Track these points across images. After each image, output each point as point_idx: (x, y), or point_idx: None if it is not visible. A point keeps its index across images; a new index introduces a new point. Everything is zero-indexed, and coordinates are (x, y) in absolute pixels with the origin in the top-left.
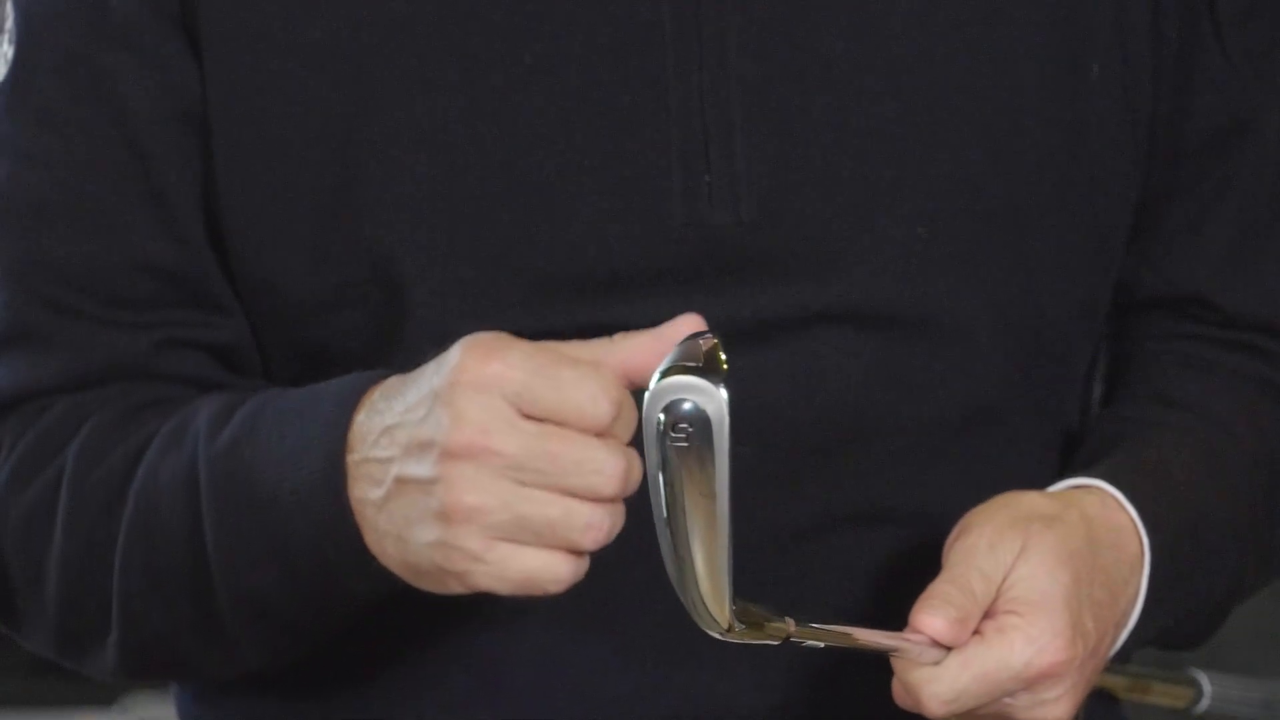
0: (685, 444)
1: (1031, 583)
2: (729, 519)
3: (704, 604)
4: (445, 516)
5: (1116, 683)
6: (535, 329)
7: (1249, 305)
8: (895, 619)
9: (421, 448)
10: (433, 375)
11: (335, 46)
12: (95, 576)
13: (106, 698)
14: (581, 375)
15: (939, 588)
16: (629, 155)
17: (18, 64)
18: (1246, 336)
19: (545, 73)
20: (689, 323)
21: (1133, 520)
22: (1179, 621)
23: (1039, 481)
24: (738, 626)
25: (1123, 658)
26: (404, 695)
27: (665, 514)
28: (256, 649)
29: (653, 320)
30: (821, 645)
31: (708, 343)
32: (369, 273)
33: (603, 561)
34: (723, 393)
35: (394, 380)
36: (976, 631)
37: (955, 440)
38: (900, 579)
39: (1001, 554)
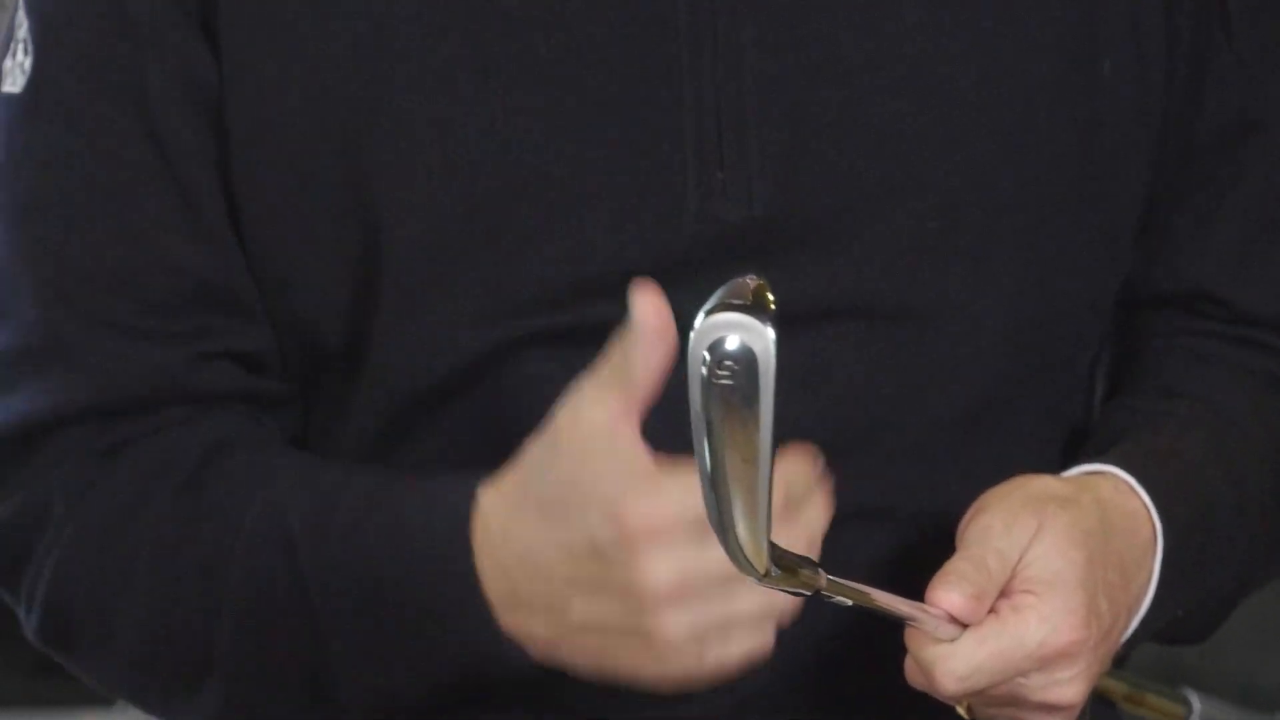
0: (730, 382)
1: (1046, 562)
2: (772, 460)
3: (742, 546)
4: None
5: (1115, 689)
6: (548, 326)
7: (1257, 302)
8: None
9: (597, 589)
10: (588, 523)
11: (350, 43)
12: (186, 648)
13: (108, 698)
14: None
15: (955, 564)
16: (642, 150)
17: (37, 70)
18: (1254, 333)
19: (559, 68)
20: (652, 310)
21: (1145, 505)
22: (1188, 612)
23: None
24: (774, 572)
25: (1133, 644)
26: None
27: (707, 454)
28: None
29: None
30: (849, 603)
31: (754, 282)
32: (383, 271)
33: None
34: (770, 330)
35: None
36: (992, 610)
37: (962, 435)
38: (906, 574)
39: (1017, 534)
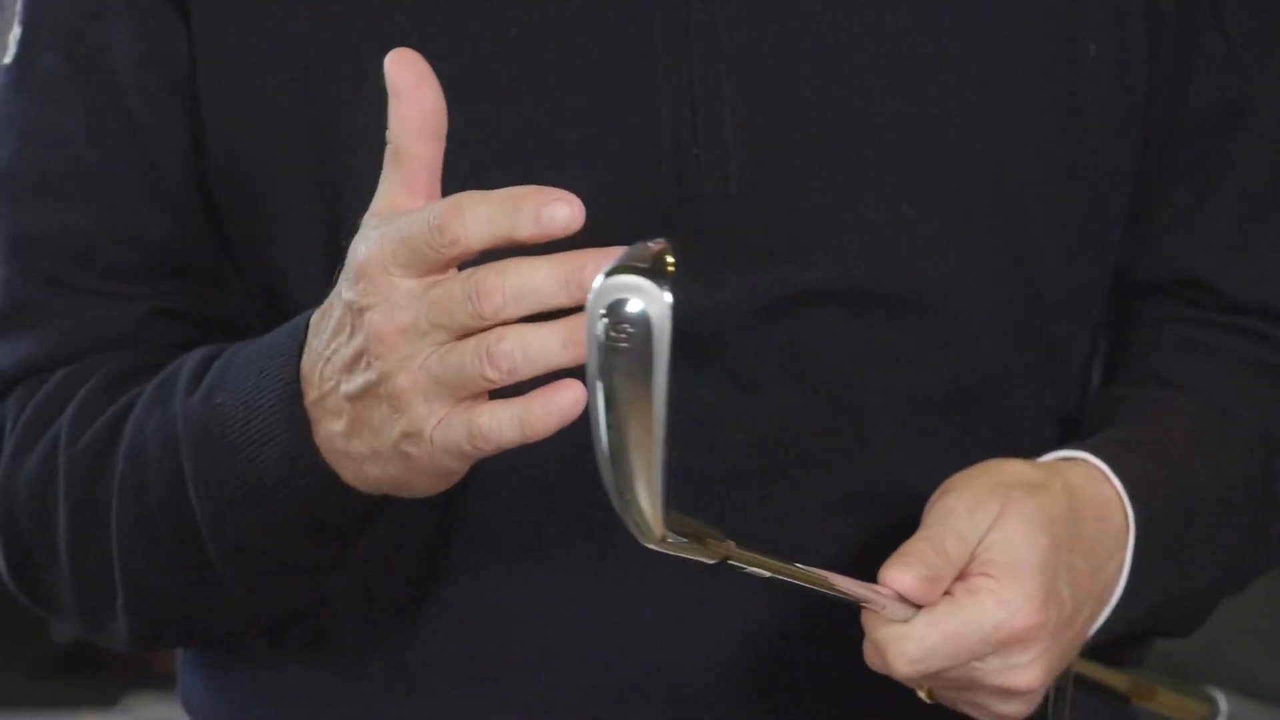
0: (626, 344)
1: (1006, 546)
2: (665, 426)
3: (637, 512)
4: (395, 408)
5: (1130, 685)
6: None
7: (1247, 288)
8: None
9: (355, 360)
10: (341, 293)
11: (322, 17)
12: (96, 539)
13: (108, 698)
14: (419, 214)
15: (911, 545)
16: (618, 127)
17: (23, 44)
18: (1245, 320)
19: (533, 45)
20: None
21: (1119, 493)
22: (1171, 602)
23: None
24: (671, 538)
25: (1109, 635)
26: (414, 656)
27: (602, 417)
28: (254, 599)
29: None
30: (765, 574)
31: (658, 246)
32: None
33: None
34: (667, 295)
35: (316, 312)
36: (948, 593)
37: (946, 422)
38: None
39: (979, 518)
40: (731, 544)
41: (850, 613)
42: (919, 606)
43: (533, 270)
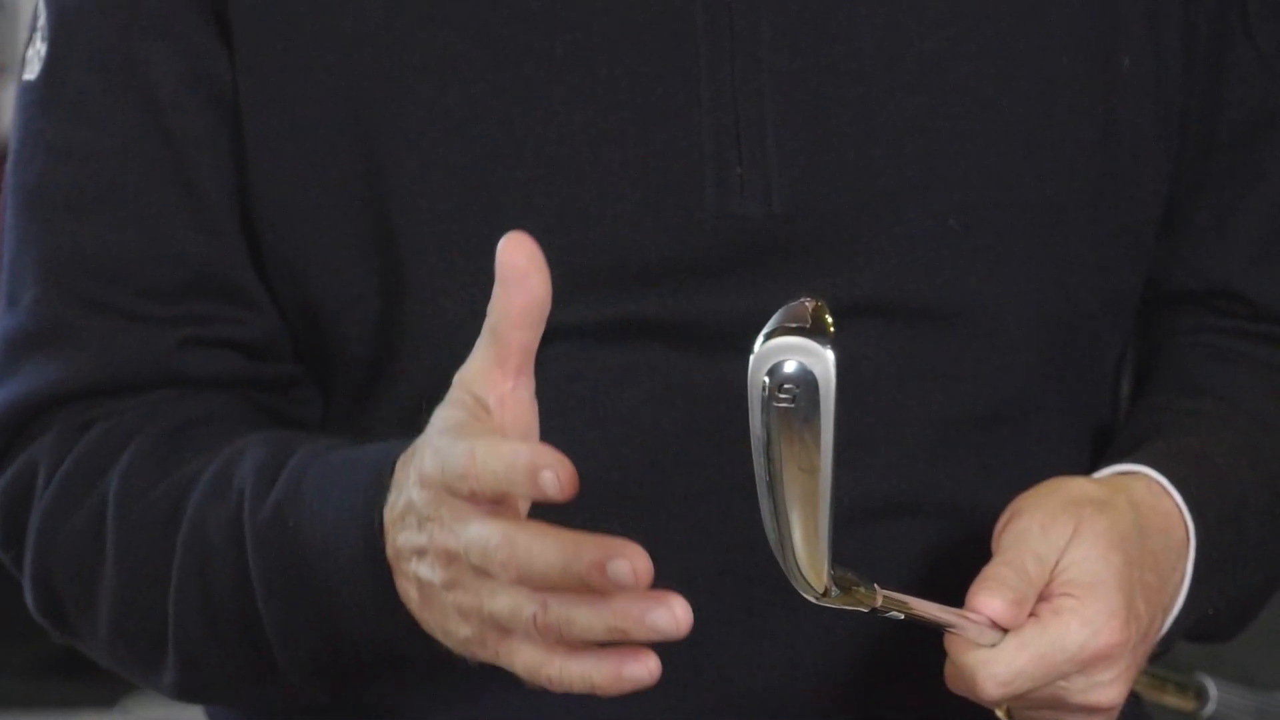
0: (790, 405)
1: (1085, 565)
2: (831, 484)
3: (800, 569)
4: (461, 616)
5: (1139, 680)
6: (565, 323)
7: (1279, 299)
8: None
9: (421, 554)
10: (412, 483)
11: (365, 33)
12: (148, 616)
13: (107, 699)
14: (457, 449)
15: (995, 570)
16: (661, 147)
17: (51, 59)
18: (1277, 329)
19: (577, 62)
20: (515, 249)
21: (1178, 506)
22: (1218, 610)
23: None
24: (834, 591)
25: (1166, 645)
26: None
27: (767, 478)
28: (316, 689)
29: (685, 312)
30: (902, 616)
31: (813, 304)
32: (396, 265)
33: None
34: (829, 353)
35: (403, 456)
36: (1032, 614)
37: (984, 434)
38: (928, 572)
39: (1054, 537)
40: (880, 591)
41: (919, 635)
42: (1004, 630)
43: (542, 550)
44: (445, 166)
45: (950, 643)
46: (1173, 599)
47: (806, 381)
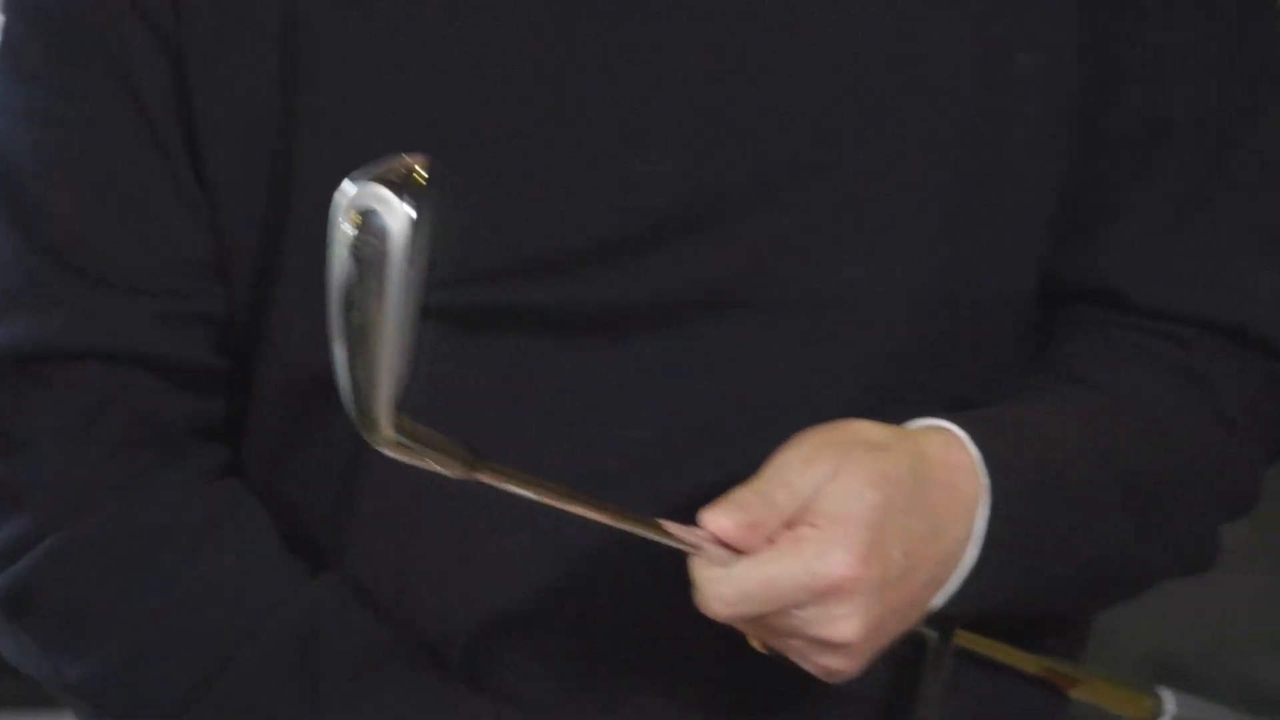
0: (366, 252)
1: (836, 499)
2: (401, 331)
3: (366, 409)
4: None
5: (1043, 670)
6: (463, 306)
7: (1165, 299)
8: None
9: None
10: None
11: (282, 17)
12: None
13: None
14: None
15: (737, 492)
16: (559, 142)
17: (7, 30)
18: (1163, 326)
19: (476, 54)
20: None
21: (974, 461)
22: (1051, 586)
23: None
24: (402, 440)
25: (976, 607)
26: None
27: (340, 317)
28: None
29: (586, 301)
30: (531, 495)
31: (409, 162)
32: (284, 243)
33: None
34: (409, 210)
35: None
36: (773, 541)
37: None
38: None
39: (814, 471)
40: (472, 455)
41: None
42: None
43: None
44: (354, 156)
45: (693, 563)
46: (952, 554)
47: (381, 233)
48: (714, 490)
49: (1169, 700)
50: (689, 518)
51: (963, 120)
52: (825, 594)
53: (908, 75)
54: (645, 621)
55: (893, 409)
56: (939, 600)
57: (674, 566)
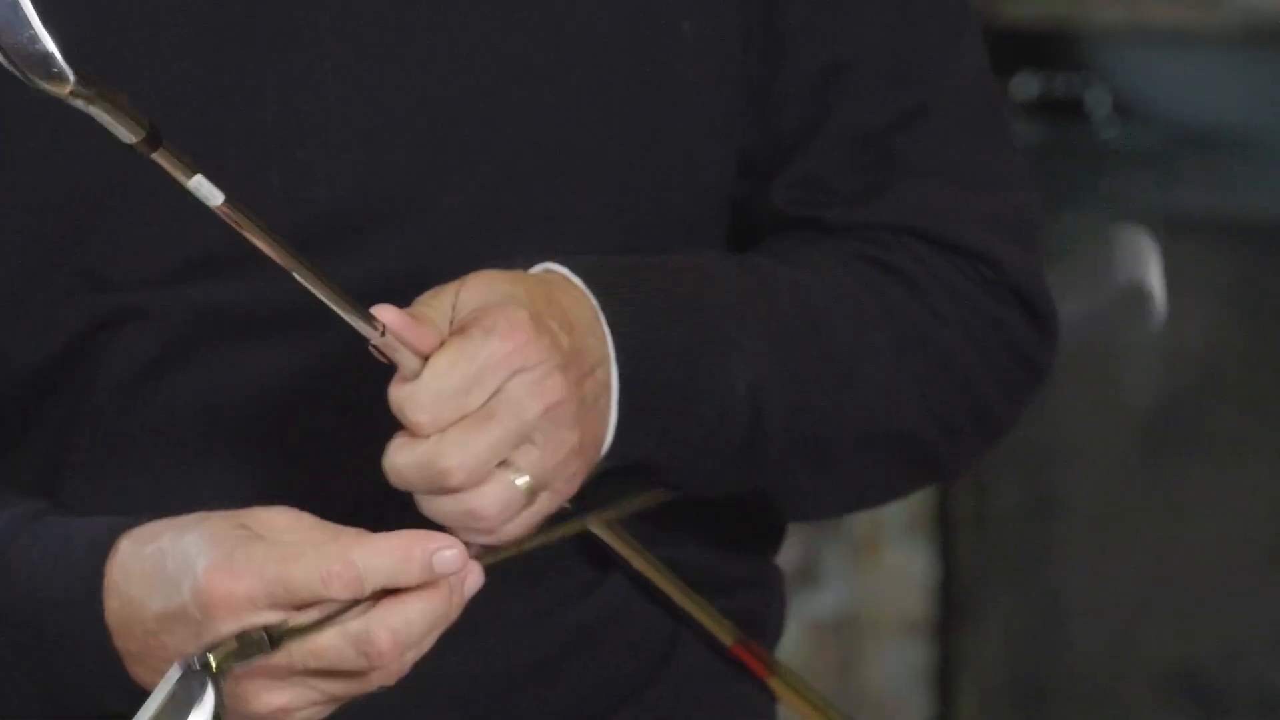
0: None
1: (476, 295)
2: None
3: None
4: None
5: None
6: (146, 304)
7: (865, 212)
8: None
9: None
10: (178, 587)
11: None
12: None
13: None
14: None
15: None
16: (228, 133)
17: None
18: (865, 231)
19: (142, 52)
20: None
21: (583, 290)
22: (721, 420)
23: None
24: (81, 89)
25: (633, 447)
26: None
27: None
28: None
29: (254, 299)
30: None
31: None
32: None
33: None
34: None
35: (128, 542)
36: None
37: None
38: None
39: (443, 295)
40: (155, 127)
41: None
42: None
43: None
44: (26, 158)
45: (391, 388)
46: (600, 363)
47: None
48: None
49: None
50: (383, 497)
51: (629, 93)
52: (515, 359)
53: (573, 53)
54: None
55: None
56: (609, 434)
57: None
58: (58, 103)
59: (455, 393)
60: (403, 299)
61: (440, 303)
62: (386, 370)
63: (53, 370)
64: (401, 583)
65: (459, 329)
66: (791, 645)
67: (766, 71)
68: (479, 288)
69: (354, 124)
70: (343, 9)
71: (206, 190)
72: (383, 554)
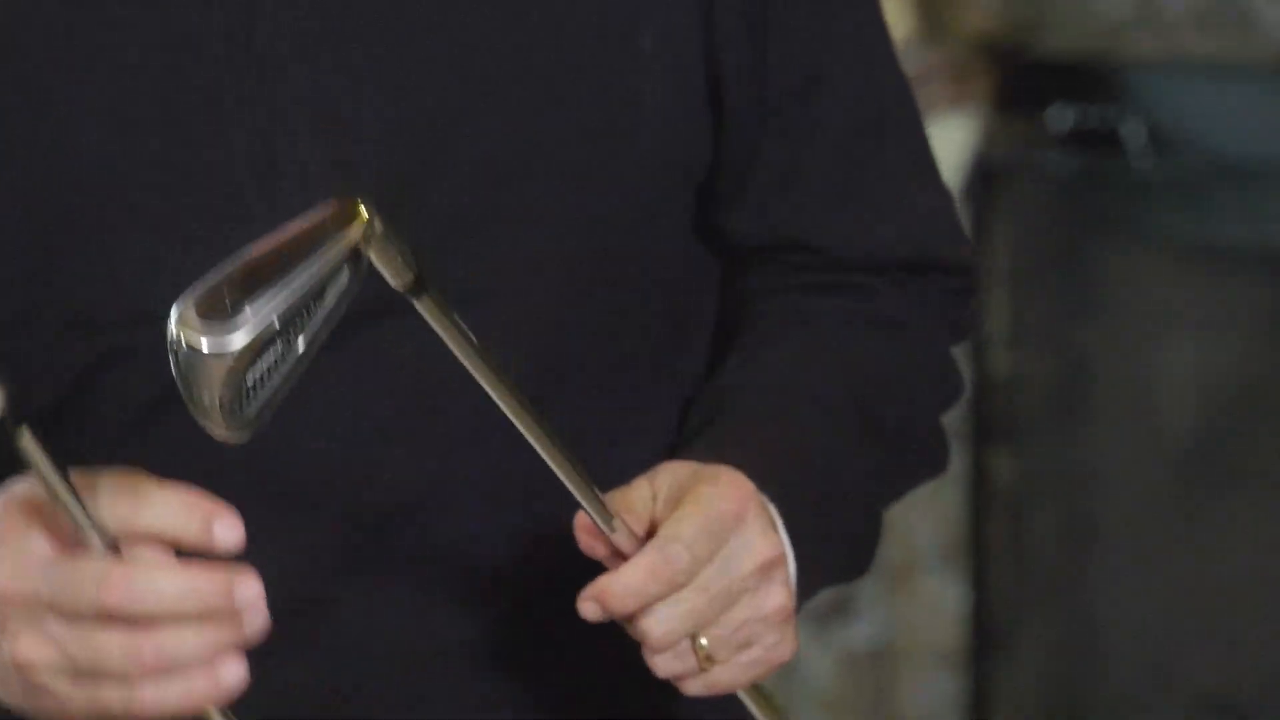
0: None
1: (667, 478)
2: None
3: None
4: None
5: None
6: (131, 343)
7: (845, 244)
8: (509, 585)
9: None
10: None
11: None
12: None
13: None
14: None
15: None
16: (199, 167)
17: None
18: (846, 277)
19: (107, 90)
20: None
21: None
22: (849, 539)
23: (652, 435)
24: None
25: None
26: None
27: None
28: None
29: None
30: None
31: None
32: None
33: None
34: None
35: None
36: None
37: (551, 405)
38: (538, 550)
39: (638, 486)
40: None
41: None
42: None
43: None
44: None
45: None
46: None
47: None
48: (396, 491)
49: None
50: (381, 525)
51: (591, 107)
52: (730, 524)
53: (532, 65)
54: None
55: (559, 386)
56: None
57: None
58: (28, 140)
59: (692, 554)
60: (380, 319)
61: (640, 493)
62: (390, 398)
63: (55, 413)
64: (180, 536)
65: (670, 502)
66: (826, 676)
67: (755, 79)
68: (669, 473)
69: (325, 147)
70: (300, 34)
71: None
72: (168, 504)
